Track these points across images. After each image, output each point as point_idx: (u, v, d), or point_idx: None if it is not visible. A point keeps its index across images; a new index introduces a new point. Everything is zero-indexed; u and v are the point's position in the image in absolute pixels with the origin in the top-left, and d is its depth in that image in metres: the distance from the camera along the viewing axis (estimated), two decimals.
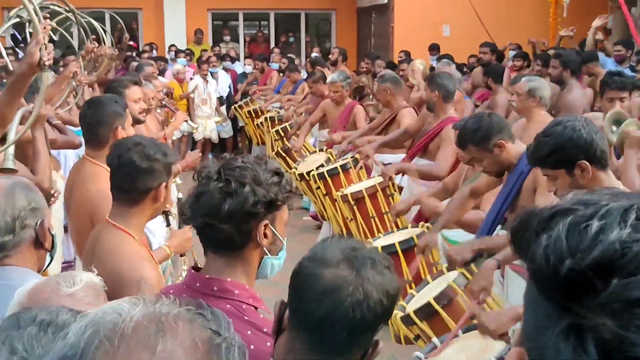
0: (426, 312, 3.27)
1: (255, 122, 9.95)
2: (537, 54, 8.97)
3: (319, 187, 5.78)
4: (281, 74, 11.52)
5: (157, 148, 2.61)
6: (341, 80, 7.40)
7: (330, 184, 5.64)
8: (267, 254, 1.97)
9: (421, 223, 4.30)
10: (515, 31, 10.89)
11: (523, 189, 3.59)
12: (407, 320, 3.31)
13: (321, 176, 5.68)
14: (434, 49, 11.69)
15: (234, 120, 11.98)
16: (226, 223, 1.87)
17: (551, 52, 9.14)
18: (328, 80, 7.66)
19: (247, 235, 1.90)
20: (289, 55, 12.28)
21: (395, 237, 4.29)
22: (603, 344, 0.68)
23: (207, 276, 1.92)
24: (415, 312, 3.28)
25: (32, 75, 3.22)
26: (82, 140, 3.91)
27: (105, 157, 3.09)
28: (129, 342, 0.87)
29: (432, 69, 9.92)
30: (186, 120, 6.71)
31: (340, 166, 5.69)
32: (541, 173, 2.97)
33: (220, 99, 11.87)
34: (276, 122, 9.35)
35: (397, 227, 5.06)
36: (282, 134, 8.85)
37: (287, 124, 8.92)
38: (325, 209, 6.19)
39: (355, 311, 1.54)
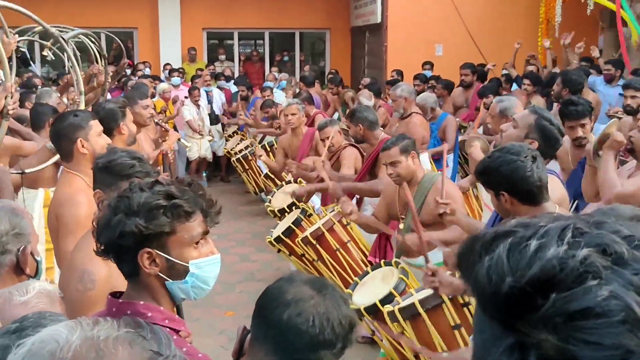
0: (410, 312, 3.47)
1: (233, 159, 9.94)
2: (525, 74, 9.06)
3: (280, 250, 5.84)
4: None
5: (118, 155, 2.69)
6: (297, 103, 7.36)
7: (290, 242, 5.68)
8: (167, 279, 1.91)
9: (394, 261, 4.23)
10: (507, 51, 10.97)
11: None
12: (392, 316, 3.53)
13: (278, 239, 5.71)
14: (426, 64, 11.85)
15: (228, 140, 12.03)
16: (105, 254, 1.87)
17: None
18: (284, 104, 7.66)
19: (133, 264, 1.86)
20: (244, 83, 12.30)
21: (374, 287, 4.07)
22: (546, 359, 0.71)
23: (121, 301, 1.92)
24: (400, 310, 3.49)
25: None
26: None
27: (77, 166, 3.33)
28: None
29: (425, 80, 10.14)
30: (179, 139, 6.75)
31: (293, 223, 5.72)
32: None
33: (216, 117, 11.92)
34: (249, 158, 9.45)
35: (364, 255, 5.19)
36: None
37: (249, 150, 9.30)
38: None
39: (316, 321, 1.68)
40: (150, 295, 1.91)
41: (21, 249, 2.10)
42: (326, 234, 5.17)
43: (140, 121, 5.34)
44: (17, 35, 4.65)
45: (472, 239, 0.83)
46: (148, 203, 1.81)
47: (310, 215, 5.88)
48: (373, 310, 3.82)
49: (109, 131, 4.13)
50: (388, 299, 3.83)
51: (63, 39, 5.85)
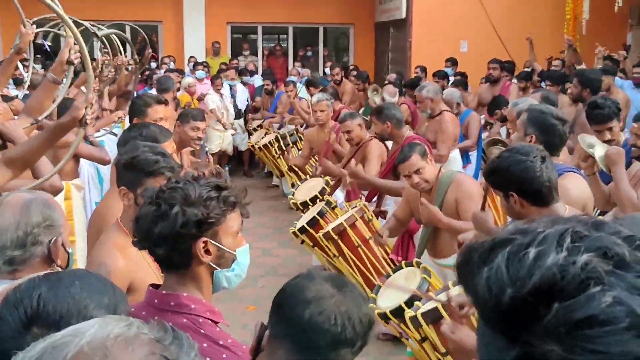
0: (433, 316, 3.41)
1: (256, 147, 10.08)
2: (544, 73, 8.92)
3: (303, 242, 5.82)
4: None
5: (141, 151, 2.68)
6: (327, 99, 7.34)
7: (314, 233, 5.65)
8: (216, 268, 1.98)
9: (415, 261, 4.14)
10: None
11: None
12: (414, 321, 3.47)
13: (302, 230, 5.70)
14: (448, 60, 11.74)
15: (250, 134, 12.05)
16: (160, 246, 1.89)
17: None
18: (313, 99, 7.58)
19: (187, 254, 1.91)
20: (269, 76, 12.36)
21: (399, 295, 3.95)
22: None
23: (164, 292, 1.95)
24: (422, 314, 3.44)
25: (72, 128, 3.29)
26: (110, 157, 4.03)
27: None
28: None
29: (444, 76, 10.05)
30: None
31: (317, 214, 5.71)
32: None
33: (239, 112, 11.94)
34: (274, 144, 9.55)
35: (386, 253, 5.16)
36: (282, 149, 9.41)
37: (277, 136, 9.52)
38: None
39: (337, 320, 1.66)
40: (195, 285, 1.97)
41: (52, 240, 2.12)
42: (348, 229, 5.15)
43: (185, 140, 5.02)
44: (34, 26, 4.67)
45: (470, 249, 0.81)
46: (202, 194, 1.89)
47: (335, 207, 5.88)
48: (399, 313, 3.76)
49: None
50: (413, 300, 3.77)
51: (95, 34, 5.88)
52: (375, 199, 6.03)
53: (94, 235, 3.30)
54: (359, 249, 5.15)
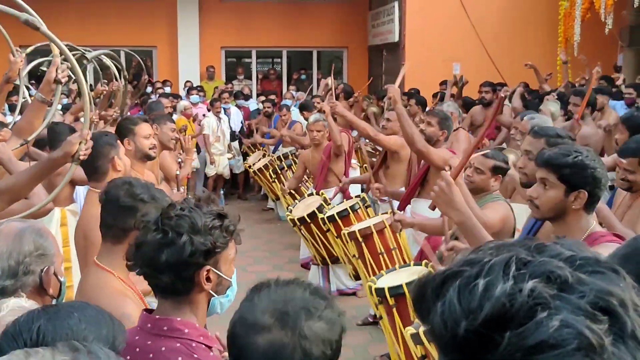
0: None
1: (251, 170, 10.15)
2: (536, 95, 8.96)
3: (329, 230, 5.78)
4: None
5: (145, 189, 2.64)
6: (323, 119, 7.37)
7: (342, 225, 5.63)
8: (214, 295, 2.00)
9: (424, 261, 4.23)
10: (525, 70, 10.94)
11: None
12: (415, 338, 3.43)
13: (331, 218, 5.68)
14: (443, 83, 11.79)
15: (246, 157, 12.07)
16: (165, 273, 1.90)
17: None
18: (310, 119, 7.62)
19: (189, 282, 1.93)
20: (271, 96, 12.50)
21: (402, 277, 4.15)
22: None
23: (157, 317, 1.96)
24: (424, 332, 3.39)
25: (64, 164, 3.28)
26: None
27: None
28: None
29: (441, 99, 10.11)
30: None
31: (350, 207, 5.70)
32: (538, 173, 2.92)
33: (232, 134, 11.96)
34: (269, 167, 9.64)
35: (405, 262, 5.13)
36: (277, 173, 9.47)
37: (272, 160, 9.64)
38: (325, 250, 6.29)
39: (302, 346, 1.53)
40: (191, 311, 1.98)
41: (45, 269, 2.11)
42: (375, 234, 5.13)
43: (163, 141, 5.58)
44: (24, 54, 4.71)
45: (423, 283, 0.83)
46: (207, 223, 1.91)
47: (369, 206, 5.87)
48: (381, 293, 3.94)
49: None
50: (397, 290, 3.92)
51: (85, 58, 5.90)
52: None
53: (80, 242, 3.35)
54: (380, 256, 5.13)
